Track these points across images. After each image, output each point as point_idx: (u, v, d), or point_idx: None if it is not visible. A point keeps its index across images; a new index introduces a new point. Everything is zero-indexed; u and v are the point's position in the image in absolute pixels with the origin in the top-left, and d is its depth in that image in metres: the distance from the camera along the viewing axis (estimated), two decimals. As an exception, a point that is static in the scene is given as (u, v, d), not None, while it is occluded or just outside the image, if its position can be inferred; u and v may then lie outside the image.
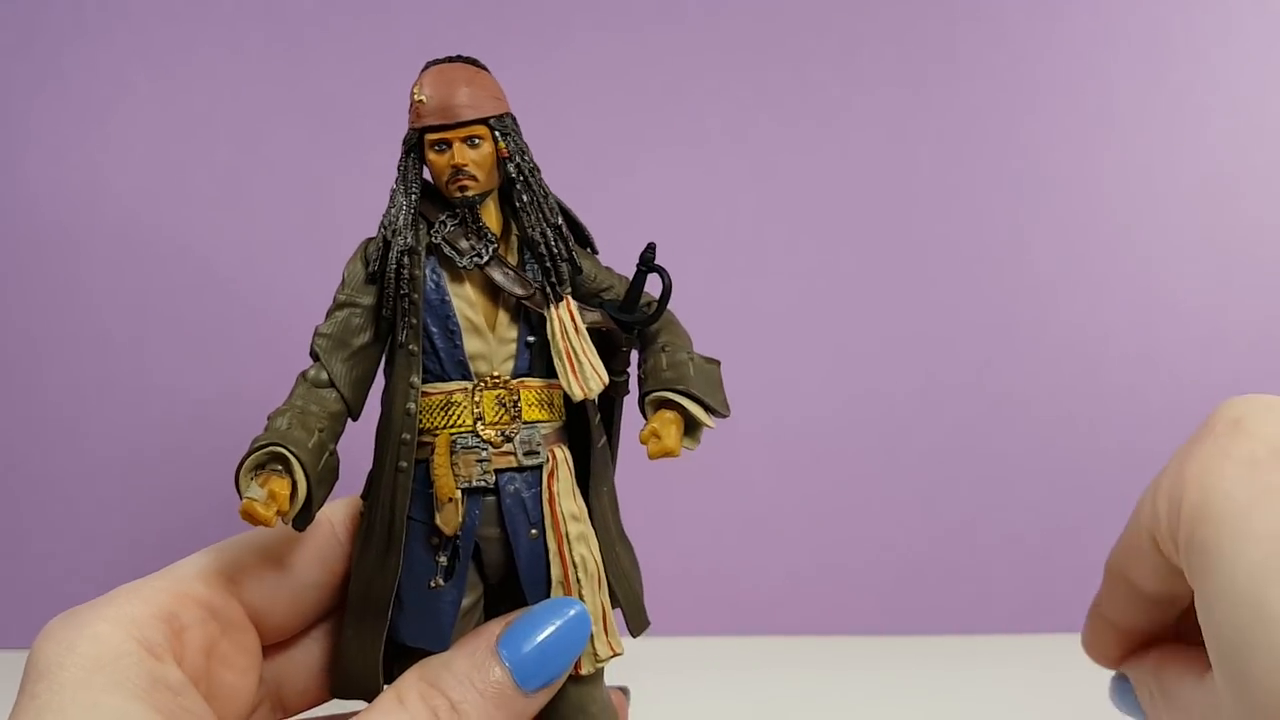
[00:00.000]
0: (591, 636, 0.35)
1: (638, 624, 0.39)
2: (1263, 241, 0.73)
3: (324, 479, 0.34)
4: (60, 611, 0.32)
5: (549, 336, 0.36)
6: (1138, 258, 0.73)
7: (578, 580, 0.36)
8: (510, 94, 0.39)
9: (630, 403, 0.41)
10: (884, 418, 0.73)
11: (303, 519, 0.33)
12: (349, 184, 0.72)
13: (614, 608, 0.38)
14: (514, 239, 0.37)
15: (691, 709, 0.60)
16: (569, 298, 0.37)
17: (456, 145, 0.35)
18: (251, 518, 0.31)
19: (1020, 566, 0.73)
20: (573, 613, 0.34)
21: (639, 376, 0.39)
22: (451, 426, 0.35)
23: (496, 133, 0.36)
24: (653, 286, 0.39)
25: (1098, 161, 0.73)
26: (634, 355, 0.40)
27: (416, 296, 0.35)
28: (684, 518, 0.71)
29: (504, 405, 0.36)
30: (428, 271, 0.36)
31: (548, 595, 0.36)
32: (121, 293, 0.72)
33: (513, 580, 0.37)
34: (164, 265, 0.72)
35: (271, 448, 0.32)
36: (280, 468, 0.32)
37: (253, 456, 0.32)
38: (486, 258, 0.36)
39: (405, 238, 0.35)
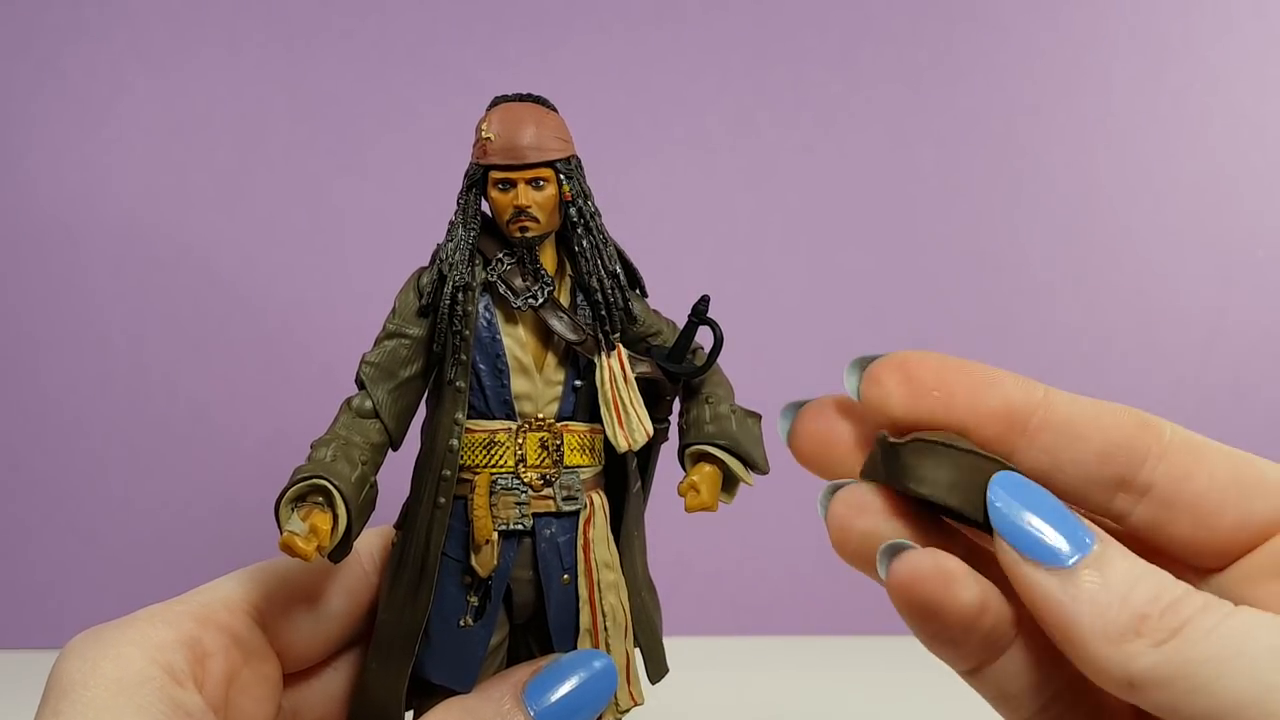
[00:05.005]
0: (615, 689, 0.35)
1: (657, 670, 0.39)
2: (1263, 242, 0.73)
3: (363, 511, 0.33)
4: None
5: (598, 385, 0.36)
6: (1138, 258, 0.73)
7: (605, 629, 0.36)
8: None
9: (666, 449, 0.41)
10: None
11: (340, 552, 0.33)
12: (349, 184, 0.72)
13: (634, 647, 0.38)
14: (568, 280, 0.37)
15: (692, 709, 0.60)
16: (620, 346, 0.37)
17: (521, 186, 0.35)
18: (291, 551, 0.30)
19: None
20: (599, 665, 0.34)
21: (680, 426, 0.39)
22: (493, 466, 0.35)
23: (561, 176, 0.35)
24: (702, 337, 0.39)
25: (1097, 161, 0.73)
26: (674, 403, 0.40)
27: (468, 333, 0.35)
28: (684, 518, 0.71)
29: (546, 448, 0.36)
30: (481, 308, 0.36)
31: (575, 642, 0.36)
32: (121, 292, 0.72)
33: (540, 621, 0.36)
34: (164, 265, 0.72)
35: (314, 480, 0.32)
36: (321, 500, 0.32)
37: (295, 488, 0.32)
38: (541, 300, 0.35)
39: (461, 273, 0.35)
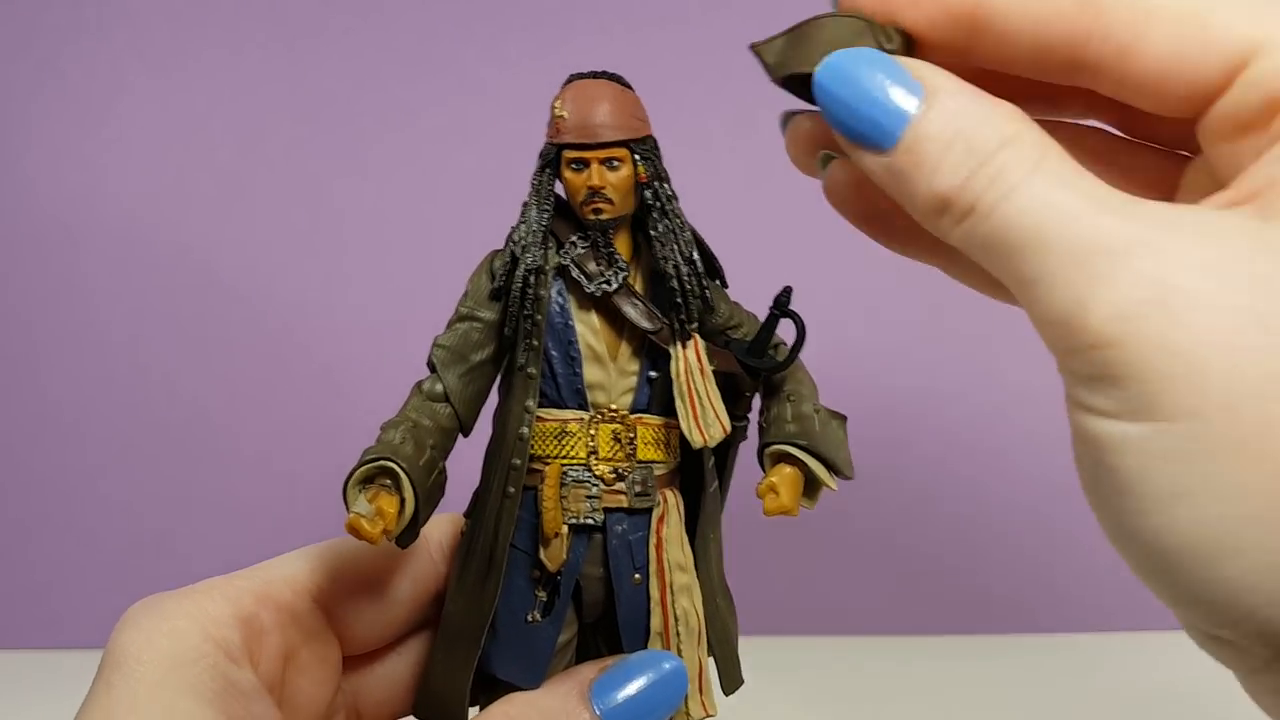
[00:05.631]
0: (685, 694, 0.34)
1: (731, 681, 0.37)
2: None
3: (431, 496, 0.32)
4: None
5: (673, 376, 0.34)
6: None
7: (677, 634, 0.35)
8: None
9: (744, 448, 0.39)
10: (884, 417, 0.73)
11: (407, 537, 0.32)
12: (349, 184, 0.72)
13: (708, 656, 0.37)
14: (643, 266, 0.36)
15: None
16: (697, 337, 0.35)
17: (595, 166, 0.34)
18: (357, 533, 0.30)
19: (1020, 566, 0.73)
20: (669, 668, 0.33)
21: (760, 424, 0.37)
22: (564, 457, 0.34)
23: (637, 156, 0.34)
24: (784, 331, 0.37)
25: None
26: (753, 400, 0.38)
27: (540, 318, 0.34)
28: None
29: (619, 441, 0.34)
30: (553, 293, 0.34)
31: (645, 644, 0.35)
32: (121, 292, 0.72)
33: (609, 621, 0.35)
34: (164, 265, 0.72)
35: (382, 462, 0.31)
36: (389, 483, 0.31)
37: (362, 469, 0.31)
38: (615, 285, 0.34)
39: (534, 255, 0.34)
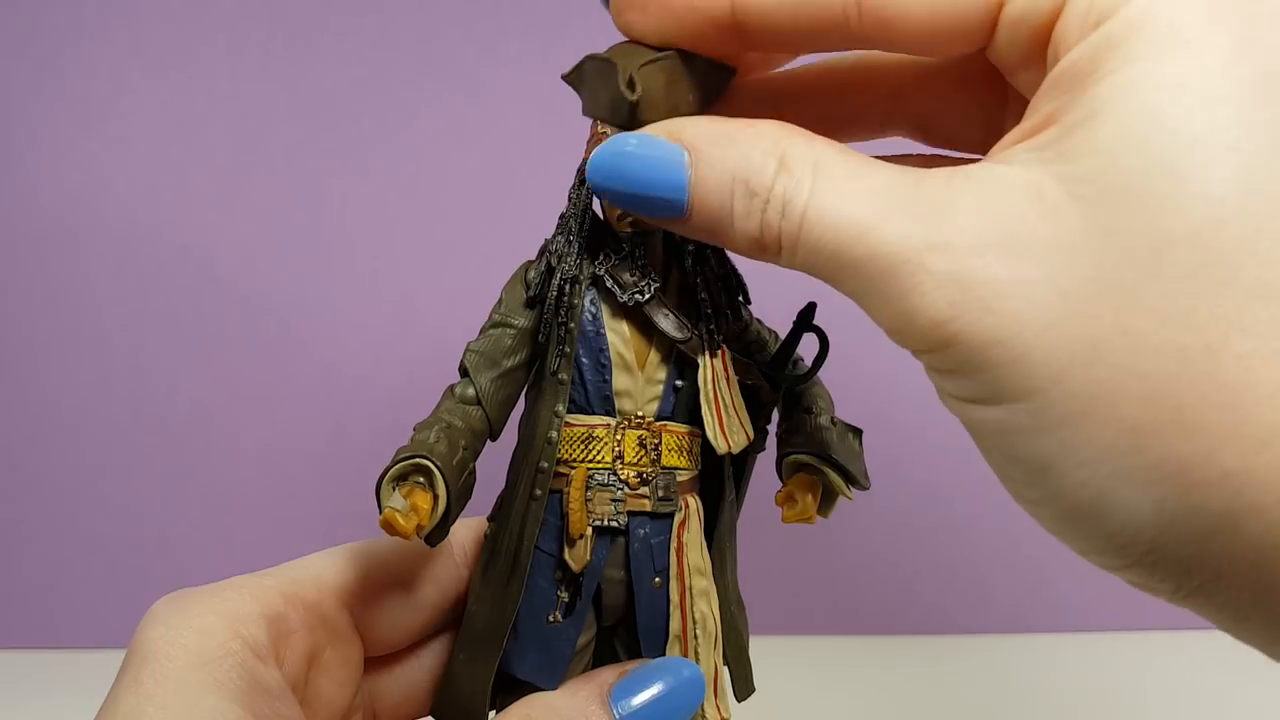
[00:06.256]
0: (702, 700, 0.34)
1: (743, 689, 0.38)
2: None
3: (462, 496, 0.33)
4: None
5: (700, 385, 0.35)
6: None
7: (695, 637, 0.35)
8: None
9: (759, 458, 0.40)
10: (884, 416, 0.73)
11: (437, 535, 0.33)
12: (349, 184, 0.72)
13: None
14: (675, 279, 0.36)
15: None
16: (725, 348, 0.36)
17: None
18: (391, 528, 0.30)
19: (1019, 566, 0.73)
20: (687, 674, 0.34)
21: (778, 435, 0.38)
22: (590, 461, 0.35)
23: None
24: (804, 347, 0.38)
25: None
26: (773, 412, 0.39)
27: (573, 325, 0.35)
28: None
29: (644, 446, 0.35)
30: (587, 302, 0.35)
31: (663, 647, 0.35)
32: (121, 292, 0.72)
33: (628, 625, 0.36)
34: (164, 265, 0.72)
35: (416, 459, 0.32)
36: (423, 480, 0.32)
37: (396, 467, 0.32)
38: (648, 296, 0.35)
39: (569, 265, 0.35)
